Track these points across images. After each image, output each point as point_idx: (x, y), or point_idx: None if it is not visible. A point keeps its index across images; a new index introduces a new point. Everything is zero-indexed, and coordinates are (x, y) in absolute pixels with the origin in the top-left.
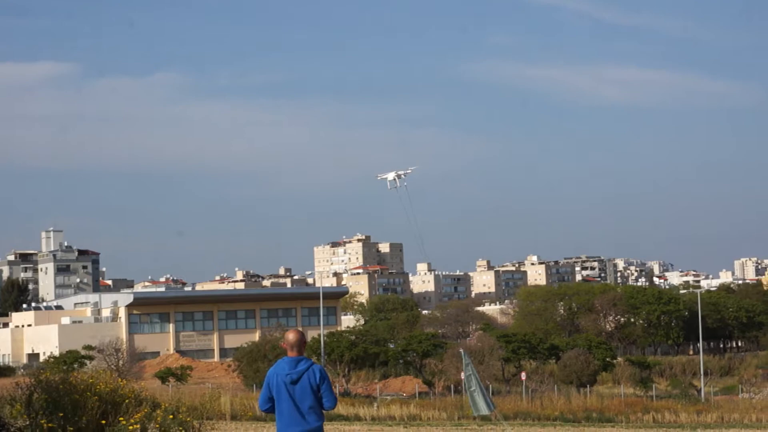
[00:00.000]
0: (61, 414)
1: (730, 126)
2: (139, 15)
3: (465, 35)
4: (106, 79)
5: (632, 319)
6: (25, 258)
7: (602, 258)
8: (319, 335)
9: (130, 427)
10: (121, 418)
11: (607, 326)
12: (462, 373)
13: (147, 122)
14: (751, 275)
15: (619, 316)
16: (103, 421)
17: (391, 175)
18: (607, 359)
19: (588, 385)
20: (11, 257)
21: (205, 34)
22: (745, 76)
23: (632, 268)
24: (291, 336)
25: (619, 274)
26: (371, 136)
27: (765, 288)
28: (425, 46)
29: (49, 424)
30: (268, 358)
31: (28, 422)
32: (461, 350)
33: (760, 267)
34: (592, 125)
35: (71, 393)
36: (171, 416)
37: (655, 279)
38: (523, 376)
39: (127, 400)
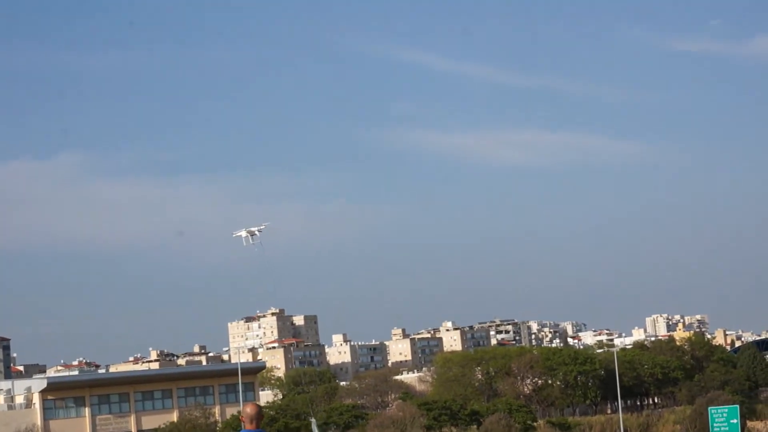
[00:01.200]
0: None
1: (633, 183)
2: (40, 97)
3: (368, 103)
4: (10, 161)
5: (550, 381)
6: None
7: (516, 321)
8: (238, 412)
9: None
10: None
11: (525, 389)
12: None
13: (51, 203)
14: (663, 331)
15: (536, 379)
16: None
17: (243, 233)
18: (528, 422)
19: None
20: None
21: (106, 113)
22: (645, 135)
23: (546, 329)
24: (249, 409)
25: (533, 336)
26: (278, 208)
27: (678, 344)
28: (329, 115)
29: None
30: None
31: None
32: (312, 420)
33: (671, 323)
34: (495, 188)
35: None
36: None
37: (570, 339)
38: None
39: None
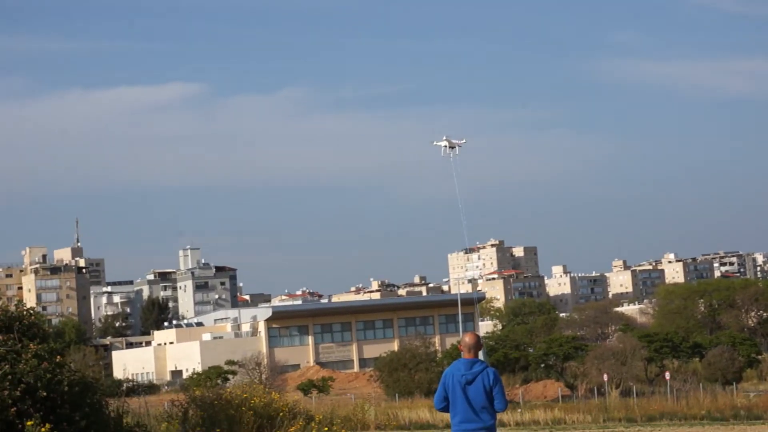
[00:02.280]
0: (218, 430)
1: None
2: (259, 32)
3: (586, 33)
4: (234, 97)
5: None
6: (164, 277)
7: (741, 253)
8: (458, 342)
9: None
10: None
11: (750, 322)
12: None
13: (275, 138)
14: None
15: (761, 311)
16: None
17: (443, 142)
18: (753, 355)
19: (734, 383)
20: (150, 276)
21: (326, 49)
22: None
23: None
24: (467, 338)
25: (758, 268)
26: (498, 139)
27: None
28: (545, 48)
29: None
30: (408, 367)
31: None
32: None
33: None
34: (718, 117)
35: (226, 408)
36: (326, 429)
37: None
38: (667, 375)
39: (281, 414)
